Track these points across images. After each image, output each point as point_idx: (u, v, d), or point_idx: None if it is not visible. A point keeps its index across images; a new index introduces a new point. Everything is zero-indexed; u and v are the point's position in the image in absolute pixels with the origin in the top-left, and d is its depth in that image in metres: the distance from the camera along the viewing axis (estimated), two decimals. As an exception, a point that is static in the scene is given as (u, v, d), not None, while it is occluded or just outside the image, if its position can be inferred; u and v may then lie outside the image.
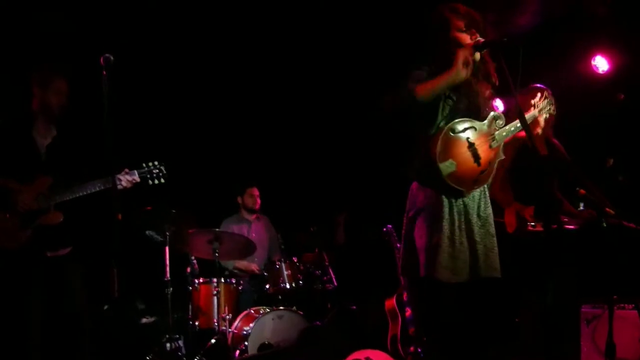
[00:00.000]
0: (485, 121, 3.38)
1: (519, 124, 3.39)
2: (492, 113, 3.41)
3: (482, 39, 3.33)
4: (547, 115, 3.78)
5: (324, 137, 7.13)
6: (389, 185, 5.77)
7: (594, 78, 5.60)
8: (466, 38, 3.35)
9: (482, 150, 3.34)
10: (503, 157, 3.42)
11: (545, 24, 5.31)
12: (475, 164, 3.32)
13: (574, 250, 4.09)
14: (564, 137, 4.54)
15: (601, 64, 5.61)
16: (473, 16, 3.39)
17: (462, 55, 3.22)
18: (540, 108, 3.71)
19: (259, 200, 6.79)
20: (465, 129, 3.32)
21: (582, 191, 4.18)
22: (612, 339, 3.84)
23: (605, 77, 5.56)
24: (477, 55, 3.36)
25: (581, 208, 4.37)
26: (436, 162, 3.24)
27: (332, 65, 6.73)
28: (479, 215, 3.41)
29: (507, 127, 3.41)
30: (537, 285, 4.06)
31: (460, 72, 3.23)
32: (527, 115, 3.56)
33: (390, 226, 5.52)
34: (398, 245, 5.42)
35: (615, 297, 4.10)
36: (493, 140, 3.38)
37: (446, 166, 3.26)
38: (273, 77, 6.96)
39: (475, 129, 3.35)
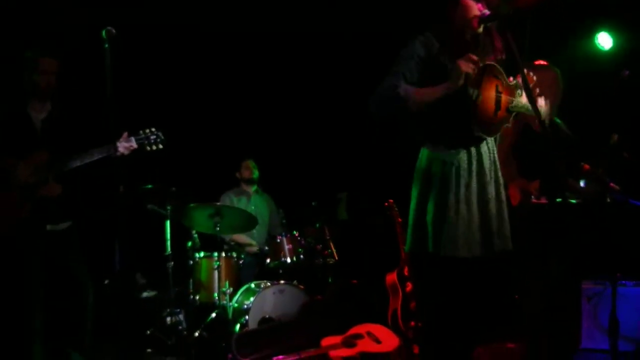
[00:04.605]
0: (513, 82, 3.36)
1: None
2: (519, 80, 3.36)
3: (487, 12, 3.30)
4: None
5: (325, 112, 7.09)
6: (390, 160, 5.77)
7: (599, 54, 5.56)
8: (474, 8, 3.32)
9: (503, 104, 3.33)
10: (509, 125, 3.40)
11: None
12: (495, 110, 3.30)
13: (577, 224, 4.08)
14: (568, 113, 4.52)
15: (605, 40, 5.57)
16: None
17: (462, 66, 3.14)
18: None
19: (254, 171, 6.78)
20: (497, 77, 3.31)
21: (586, 166, 4.17)
22: (615, 316, 3.85)
23: (610, 54, 5.52)
24: (481, 29, 3.34)
25: (582, 185, 4.36)
26: (467, 85, 3.18)
27: (335, 44, 6.69)
28: (494, 187, 3.39)
29: (525, 102, 3.36)
30: (540, 259, 4.06)
31: (457, 84, 3.17)
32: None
33: (391, 200, 5.50)
34: (399, 219, 5.41)
35: (618, 274, 4.09)
36: (512, 103, 3.36)
37: (475, 93, 3.23)
38: (274, 55, 6.91)
39: (503, 84, 3.34)
